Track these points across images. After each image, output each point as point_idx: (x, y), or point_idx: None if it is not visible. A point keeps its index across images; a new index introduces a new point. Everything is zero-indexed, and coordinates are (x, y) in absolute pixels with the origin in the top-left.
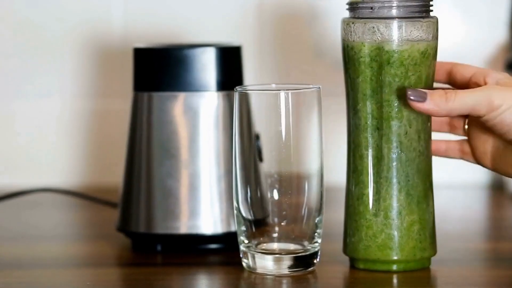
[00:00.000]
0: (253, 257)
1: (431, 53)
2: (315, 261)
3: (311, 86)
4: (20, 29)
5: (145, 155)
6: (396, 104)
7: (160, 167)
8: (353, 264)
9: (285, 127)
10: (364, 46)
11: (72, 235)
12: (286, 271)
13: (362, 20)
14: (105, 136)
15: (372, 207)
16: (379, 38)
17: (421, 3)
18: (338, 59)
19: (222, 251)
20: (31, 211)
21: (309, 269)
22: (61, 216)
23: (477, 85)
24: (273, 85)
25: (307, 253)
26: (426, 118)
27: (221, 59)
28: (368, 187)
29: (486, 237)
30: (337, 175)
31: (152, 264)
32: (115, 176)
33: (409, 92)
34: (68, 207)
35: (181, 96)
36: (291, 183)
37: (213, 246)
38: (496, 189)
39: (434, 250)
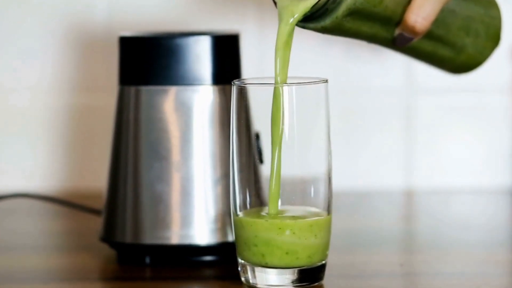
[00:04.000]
0: (253, 271)
1: None
2: (322, 275)
3: (317, 79)
4: None
5: (132, 157)
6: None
7: (148, 170)
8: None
9: (288, 125)
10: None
11: (50, 246)
12: (290, 286)
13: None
14: (87, 135)
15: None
16: None
17: None
18: (348, 48)
19: (218, 263)
20: (5, 219)
21: (316, 283)
22: (38, 224)
23: None
24: None
25: (313, 266)
26: None
27: (217, 49)
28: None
29: None
30: (347, 178)
31: (140, 278)
32: (99, 180)
33: (397, 42)
34: (46, 215)
35: (172, 90)
36: (295, 188)
37: (208, 258)
38: None
39: None
